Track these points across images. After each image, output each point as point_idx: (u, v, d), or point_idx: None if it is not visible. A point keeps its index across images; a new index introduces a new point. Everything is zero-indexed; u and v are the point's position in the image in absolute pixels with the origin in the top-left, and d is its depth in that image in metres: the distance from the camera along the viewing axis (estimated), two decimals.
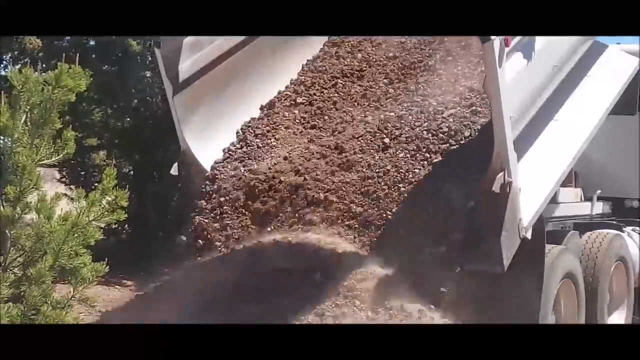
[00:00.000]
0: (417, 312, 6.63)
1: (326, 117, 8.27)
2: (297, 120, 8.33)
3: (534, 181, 6.91)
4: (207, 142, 7.99)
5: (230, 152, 8.13)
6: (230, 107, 8.21)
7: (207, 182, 7.87)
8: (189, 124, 7.82)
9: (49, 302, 3.77)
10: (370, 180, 7.43)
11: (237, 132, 8.31)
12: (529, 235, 6.66)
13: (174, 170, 7.95)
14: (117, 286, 9.39)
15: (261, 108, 8.44)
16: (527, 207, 6.70)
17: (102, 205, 4.19)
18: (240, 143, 8.22)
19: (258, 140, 8.21)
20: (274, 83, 8.56)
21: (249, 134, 8.29)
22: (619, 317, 9.01)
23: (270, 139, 8.20)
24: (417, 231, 6.87)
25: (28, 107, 4.22)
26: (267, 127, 8.31)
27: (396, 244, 6.99)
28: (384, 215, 7.18)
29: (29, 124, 4.23)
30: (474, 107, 7.59)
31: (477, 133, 7.44)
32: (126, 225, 11.60)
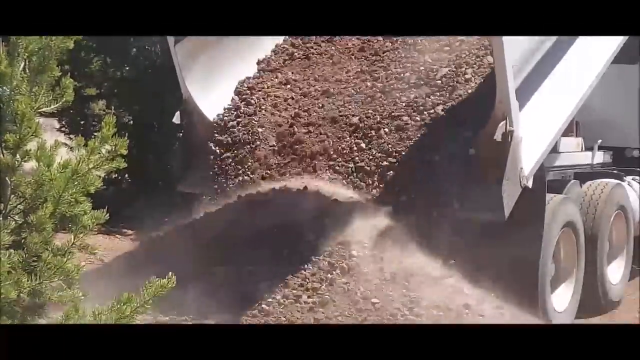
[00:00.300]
0: (421, 263, 6.69)
1: (323, 70, 8.23)
2: (294, 73, 8.30)
3: (536, 130, 6.92)
4: (209, 91, 8.00)
5: (233, 105, 8.13)
6: (230, 56, 8.19)
7: (215, 131, 7.89)
8: (190, 72, 7.82)
9: (49, 249, 3.77)
10: (371, 131, 7.42)
11: (237, 85, 8.29)
12: (530, 184, 6.70)
13: (176, 119, 7.99)
14: (117, 235, 9.42)
15: (258, 62, 8.43)
16: (528, 156, 6.72)
17: (102, 154, 4.16)
18: (243, 96, 8.21)
19: (258, 93, 8.19)
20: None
21: (247, 85, 8.27)
22: (618, 266, 9.10)
23: (268, 92, 8.19)
24: (419, 180, 6.88)
25: (26, 54, 4.16)
26: (265, 81, 8.30)
27: (397, 193, 7.01)
28: (385, 164, 7.19)
29: (27, 71, 4.18)
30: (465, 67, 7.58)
31: (477, 84, 7.42)
32: (126, 175, 11.60)
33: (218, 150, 7.84)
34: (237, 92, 8.24)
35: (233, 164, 7.73)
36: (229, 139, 7.84)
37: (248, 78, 8.32)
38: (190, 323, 5.16)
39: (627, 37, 8.31)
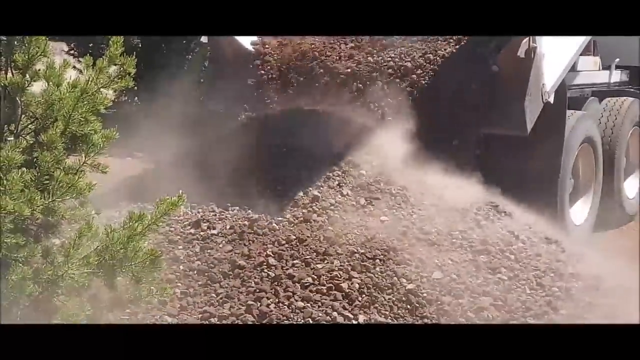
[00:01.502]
0: (437, 180, 6.72)
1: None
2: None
3: (557, 47, 6.94)
4: None
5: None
6: None
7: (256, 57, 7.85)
8: None
9: (61, 168, 3.78)
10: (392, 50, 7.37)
11: None
12: (551, 100, 6.80)
13: (204, 39, 8.03)
14: (128, 157, 9.44)
15: None
16: (550, 73, 6.79)
17: (110, 73, 4.13)
18: None
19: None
20: None
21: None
22: (634, 181, 9.24)
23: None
24: (441, 96, 6.90)
25: None
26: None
27: (421, 109, 7.00)
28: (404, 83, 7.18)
29: None
30: None
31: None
32: (136, 98, 11.56)
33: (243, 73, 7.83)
34: None
35: (256, 84, 7.74)
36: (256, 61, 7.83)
37: None
38: (191, 323, 5.21)
39: None
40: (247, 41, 7.98)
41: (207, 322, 5.33)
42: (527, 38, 6.49)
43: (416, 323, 5.41)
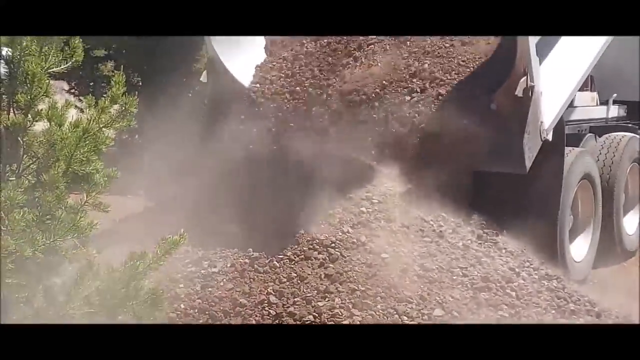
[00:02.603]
0: (438, 217, 6.71)
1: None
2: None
3: (554, 84, 6.97)
4: (236, 51, 7.98)
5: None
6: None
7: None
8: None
9: (63, 207, 3.79)
10: (392, 84, 7.40)
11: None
12: (550, 137, 6.80)
13: (203, 78, 8.05)
14: (129, 195, 9.44)
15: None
16: (548, 110, 6.80)
17: (112, 113, 4.16)
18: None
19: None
20: None
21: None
22: (633, 217, 9.22)
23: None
24: (441, 135, 6.92)
25: None
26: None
27: (416, 149, 7.02)
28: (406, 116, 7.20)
29: None
30: None
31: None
32: (136, 136, 11.60)
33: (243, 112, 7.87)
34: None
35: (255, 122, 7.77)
36: (255, 96, 7.87)
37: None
38: (190, 323, 5.20)
39: None
40: (247, 80, 8.03)
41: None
42: (525, 77, 6.51)
43: (416, 323, 5.37)
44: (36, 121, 4.10)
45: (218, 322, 5.67)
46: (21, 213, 3.67)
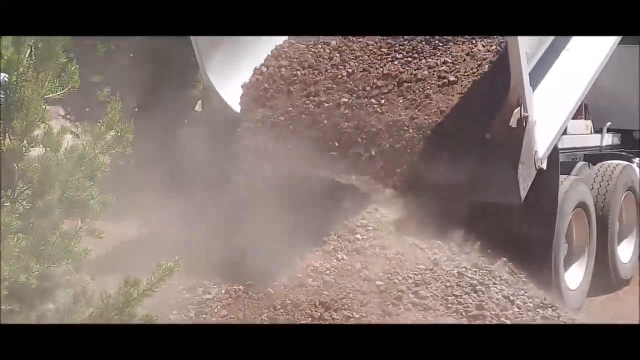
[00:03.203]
0: (433, 245, 6.71)
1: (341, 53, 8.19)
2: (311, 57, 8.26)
3: (548, 113, 7.00)
4: (230, 80, 7.99)
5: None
6: (252, 41, 8.17)
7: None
8: (211, 60, 7.82)
9: (57, 233, 3.78)
10: (387, 112, 7.42)
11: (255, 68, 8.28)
12: (544, 166, 6.82)
13: (198, 107, 8.06)
14: (125, 221, 9.42)
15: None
16: (542, 139, 6.83)
17: (107, 139, 4.17)
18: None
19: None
20: None
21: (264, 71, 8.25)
22: (628, 245, 9.22)
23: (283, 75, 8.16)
24: (435, 165, 6.93)
25: (32, 40, 4.16)
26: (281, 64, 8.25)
27: (410, 178, 7.03)
28: (399, 147, 7.21)
29: (33, 57, 4.18)
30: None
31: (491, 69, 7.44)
32: (131, 161, 11.58)
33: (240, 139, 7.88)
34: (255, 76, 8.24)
35: (252, 148, 7.78)
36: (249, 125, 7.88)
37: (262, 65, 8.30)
38: (190, 323, 5.19)
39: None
40: (242, 107, 8.05)
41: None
42: (518, 108, 6.52)
43: (415, 323, 5.35)
44: (32, 147, 4.11)
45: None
46: (15, 239, 3.66)
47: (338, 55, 8.02)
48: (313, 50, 8.15)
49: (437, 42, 7.75)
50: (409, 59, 7.75)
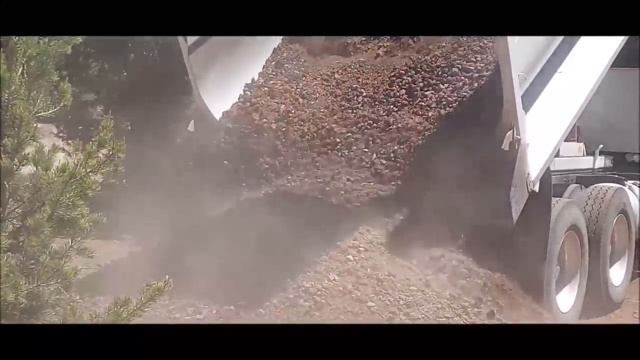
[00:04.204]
0: (425, 268, 6.71)
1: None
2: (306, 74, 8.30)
3: (540, 135, 7.02)
4: (223, 99, 8.03)
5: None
6: (244, 62, 8.21)
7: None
8: (204, 81, 7.86)
9: (47, 252, 3.76)
10: (378, 134, 7.44)
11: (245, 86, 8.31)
12: (536, 189, 6.82)
13: (190, 127, 8.08)
14: (115, 240, 9.39)
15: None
16: (534, 162, 6.84)
17: (99, 158, 4.15)
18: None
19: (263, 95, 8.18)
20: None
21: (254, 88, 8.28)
22: (620, 268, 9.22)
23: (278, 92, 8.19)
24: (427, 188, 6.93)
25: (24, 58, 4.15)
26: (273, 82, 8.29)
27: (402, 200, 7.03)
28: (389, 167, 7.21)
29: (25, 75, 4.17)
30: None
31: (484, 92, 7.47)
32: (124, 180, 11.56)
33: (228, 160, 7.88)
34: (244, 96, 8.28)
35: (243, 167, 7.78)
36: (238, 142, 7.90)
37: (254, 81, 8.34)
38: (190, 323, 5.16)
39: (625, 40, 8.33)
40: (235, 126, 8.06)
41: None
42: (511, 131, 6.54)
43: (415, 323, 5.31)
44: (23, 165, 4.09)
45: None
46: (4, 257, 3.64)
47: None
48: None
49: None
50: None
